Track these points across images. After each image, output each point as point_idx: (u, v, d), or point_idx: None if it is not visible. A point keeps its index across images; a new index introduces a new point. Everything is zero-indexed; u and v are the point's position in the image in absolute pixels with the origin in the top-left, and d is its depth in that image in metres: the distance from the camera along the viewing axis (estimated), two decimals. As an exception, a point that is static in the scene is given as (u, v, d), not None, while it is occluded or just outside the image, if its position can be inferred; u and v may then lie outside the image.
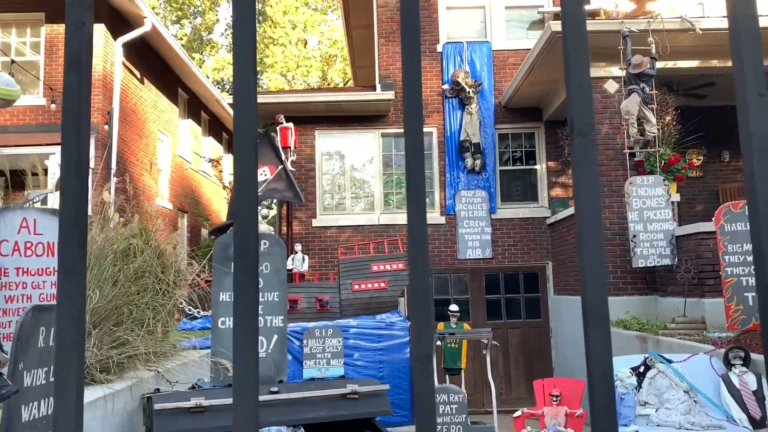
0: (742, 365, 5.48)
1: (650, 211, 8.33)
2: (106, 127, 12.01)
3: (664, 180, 8.39)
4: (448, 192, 11.94)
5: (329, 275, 11.39)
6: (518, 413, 7.58)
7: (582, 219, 0.64)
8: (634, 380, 5.61)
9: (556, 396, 7.74)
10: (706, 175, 11.61)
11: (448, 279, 12.00)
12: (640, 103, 8.54)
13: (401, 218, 11.87)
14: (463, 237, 11.78)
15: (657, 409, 5.44)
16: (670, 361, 5.75)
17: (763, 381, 5.35)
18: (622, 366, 6.09)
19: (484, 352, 8.51)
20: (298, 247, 10.92)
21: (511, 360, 11.56)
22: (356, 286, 10.58)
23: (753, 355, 5.57)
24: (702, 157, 11.57)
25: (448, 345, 8.87)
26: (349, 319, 10.31)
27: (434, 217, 11.98)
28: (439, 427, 7.95)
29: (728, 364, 5.52)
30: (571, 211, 10.50)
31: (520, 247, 11.84)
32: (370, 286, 10.52)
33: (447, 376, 8.95)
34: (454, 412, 8.04)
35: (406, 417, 8.89)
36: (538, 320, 11.71)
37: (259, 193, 10.25)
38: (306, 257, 10.89)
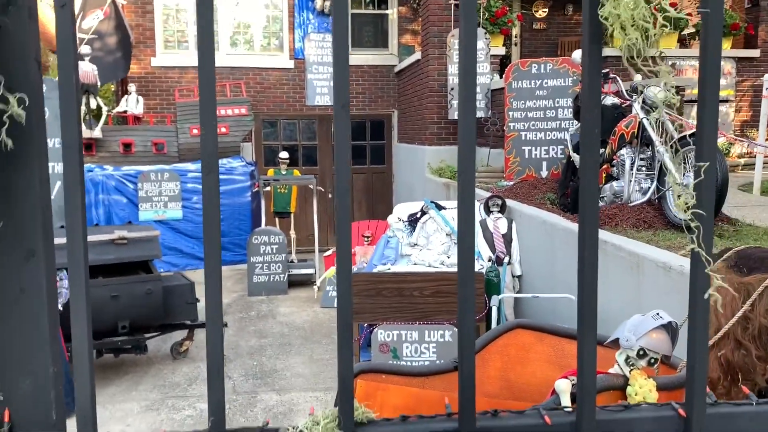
0: (498, 212, 6.13)
1: (469, 65, 8.56)
2: None
3: (485, 33, 8.57)
4: (296, 34, 11.63)
5: (167, 119, 11.16)
6: (329, 252, 8.19)
7: None
8: (401, 225, 6.17)
9: (368, 236, 8.38)
10: (549, 28, 11.91)
11: (296, 126, 12.08)
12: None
13: (247, 60, 11.56)
14: (312, 83, 11.67)
15: (421, 250, 6.07)
16: (440, 208, 6.33)
17: (513, 225, 6.05)
18: (405, 213, 6.64)
19: (314, 199, 8.92)
20: (132, 87, 10.50)
21: (354, 203, 12.17)
22: (195, 131, 10.48)
23: (510, 203, 6.23)
24: (546, 10, 11.79)
25: (278, 190, 9.18)
26: (188, 163, 10.33)
27: (283, 60, 11.75)
28: (260, 264, 8.49)
29: (488, 211, 6.16)
30: (414, 58, 10.60)
31: (368, 95, 11.97)
32: (210, 130, 10.44)
33: (277, 219, 9.37)
34: (274, 251, 8.57)
35: (243, 256, 9.32)
36: (382, 166, 12.22)
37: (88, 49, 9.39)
38: (140, 98, 10.54)
